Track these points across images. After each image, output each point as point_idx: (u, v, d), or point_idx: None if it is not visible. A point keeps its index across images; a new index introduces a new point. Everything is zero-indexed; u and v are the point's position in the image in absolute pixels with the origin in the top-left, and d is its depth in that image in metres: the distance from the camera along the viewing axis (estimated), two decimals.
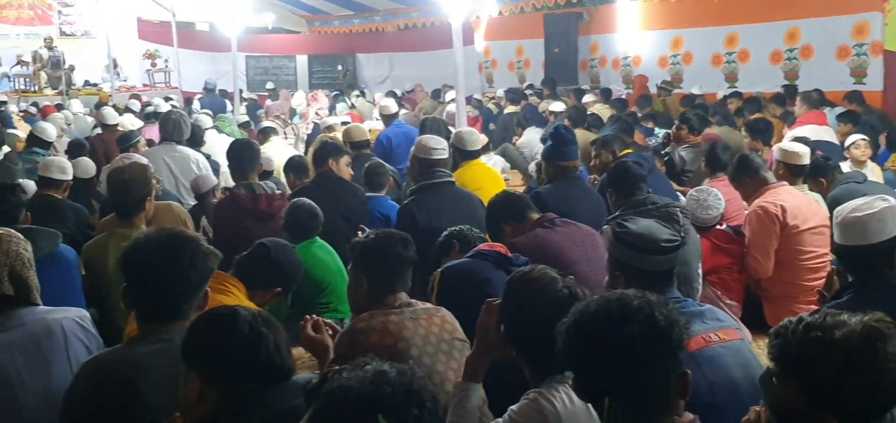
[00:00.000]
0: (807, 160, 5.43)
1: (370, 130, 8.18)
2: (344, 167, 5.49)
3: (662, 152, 7.65)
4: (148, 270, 2.32)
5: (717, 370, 2.58)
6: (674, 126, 8.20)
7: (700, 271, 4.46)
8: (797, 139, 6.43)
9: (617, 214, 4.32)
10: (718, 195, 4.93)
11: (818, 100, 9.36)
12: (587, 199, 4.96)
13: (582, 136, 6.81)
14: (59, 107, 14.40)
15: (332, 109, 13.88)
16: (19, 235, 2.78)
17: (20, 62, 19.55)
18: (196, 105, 14.50)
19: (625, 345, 1.78)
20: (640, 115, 10.74)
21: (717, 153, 5.98)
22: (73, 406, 2.28)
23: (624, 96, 13.09)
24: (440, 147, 4.99)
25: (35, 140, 7.99)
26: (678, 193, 5.83)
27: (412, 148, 5.17)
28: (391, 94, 14.66)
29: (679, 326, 1.83)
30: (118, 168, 4.19)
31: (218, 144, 8.55)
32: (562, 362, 1.95)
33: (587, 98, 12.28)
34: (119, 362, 2.27)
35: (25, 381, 2.54)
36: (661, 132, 9.31)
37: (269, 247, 3.42)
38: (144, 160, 5.15)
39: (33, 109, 14.52)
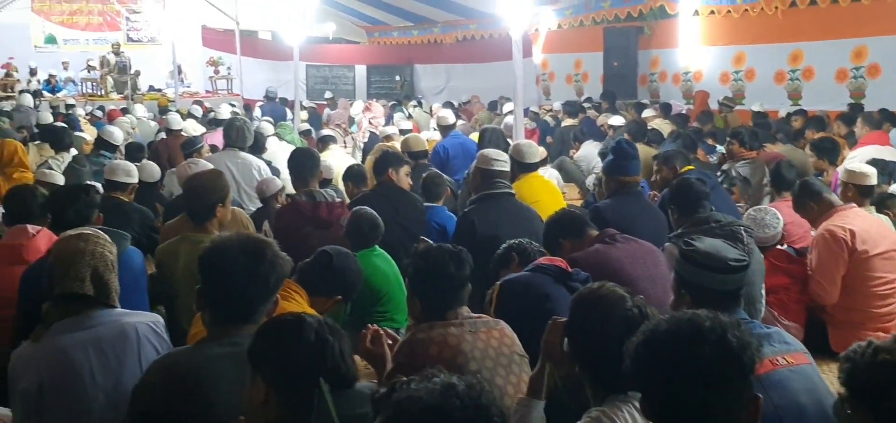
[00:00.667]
0: (875, 181, 5.27)
1: (427, 141, 8.22)
2: (404, 177, 5.51)
3: (719, 172, 7.48)
4: (229, 271, 2.37)
5: (784, 394, 2.53)
6: (726, 143, 8.05)
7: (763, 292, 4.37)
8: (871, 162, 6.21)
9: (680, 231, 4.26)
10: (776, 214, 4.82)
11: (880, 120, 9.11)
12: (648, 215, 4.89)
13: (643, 151, 6.72)
14: (124, 111, 14.76)
15: (389, 119, 13.96)
16: (106, 236, 2.86)
17: (88, 67, 20.15)
18: (257, 112, 14.69)
19: (696, 367, 1.75)
20: (703, 131, 10.58)
21: (782, 172, 5.79)
22: (142, 401, 2.33)
23: (684, 112, 12.90)
24: (501, 159, 4.99)
25: (102, 143, 8.18)
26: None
27: (474, 160, 5.17)
28: (448, 105, 14.68)
29: (751, 348, 1.79)
30: (193, 174, 4.24)
31: (279, 151, 8.66)
32: (630, 381, 1.93)
33: (647, 113, 12.13)
34: (188, 363, 2.32)
35: (97, 379, 2.62)
36: (720, 149, 9.14)
37: (332, 255, 3.44)
38: (210, 166, 5.23)
39: (100, 113, 14.92)
